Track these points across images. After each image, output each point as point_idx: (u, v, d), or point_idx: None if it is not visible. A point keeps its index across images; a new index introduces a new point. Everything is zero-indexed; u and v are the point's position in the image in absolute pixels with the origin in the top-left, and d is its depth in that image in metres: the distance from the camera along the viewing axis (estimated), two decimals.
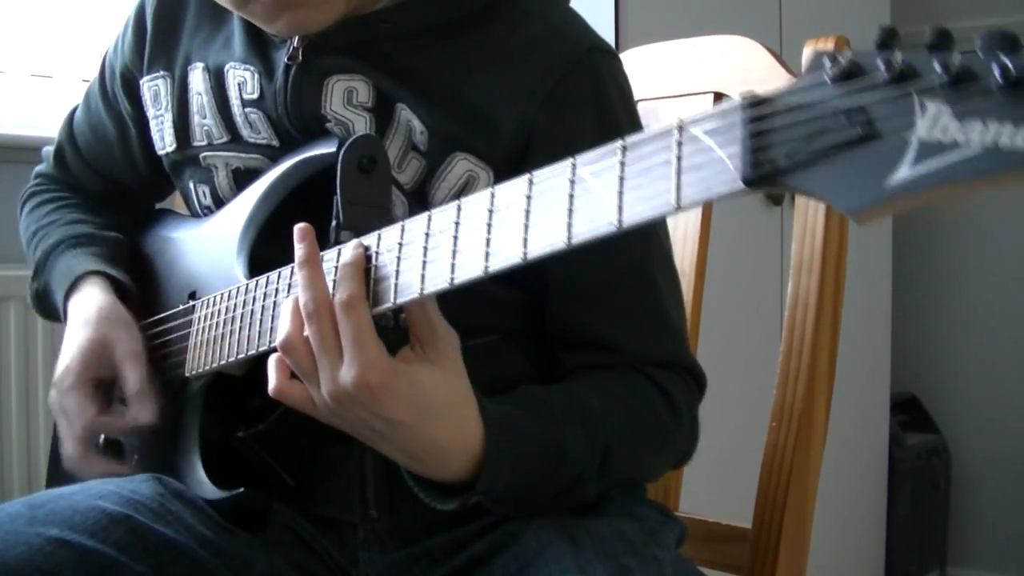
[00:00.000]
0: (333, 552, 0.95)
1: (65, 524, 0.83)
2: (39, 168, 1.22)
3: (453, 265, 0.68)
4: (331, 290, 0.75)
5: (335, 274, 0.75)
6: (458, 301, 0.73)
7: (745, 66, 1.17)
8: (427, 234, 0.71)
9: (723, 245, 1.39)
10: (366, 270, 0.74)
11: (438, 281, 0.69)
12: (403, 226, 0.73)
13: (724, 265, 1.50)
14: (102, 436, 1.05)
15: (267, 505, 0.90)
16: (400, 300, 0.72)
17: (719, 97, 1.20)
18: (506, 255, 0.65)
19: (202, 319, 0.94)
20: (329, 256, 0.77)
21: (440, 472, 0.78)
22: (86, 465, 0.97)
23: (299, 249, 0.76)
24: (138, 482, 0.92)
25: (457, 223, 0.69)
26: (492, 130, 0.90)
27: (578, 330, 0.92)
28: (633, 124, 0.95)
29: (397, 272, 0.73)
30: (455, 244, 0.69)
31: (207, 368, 0.92)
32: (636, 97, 0.99)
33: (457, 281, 0.68)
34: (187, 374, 0.95)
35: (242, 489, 0.88)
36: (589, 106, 0.91)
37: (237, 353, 0.88)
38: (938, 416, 3.05)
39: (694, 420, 0.94)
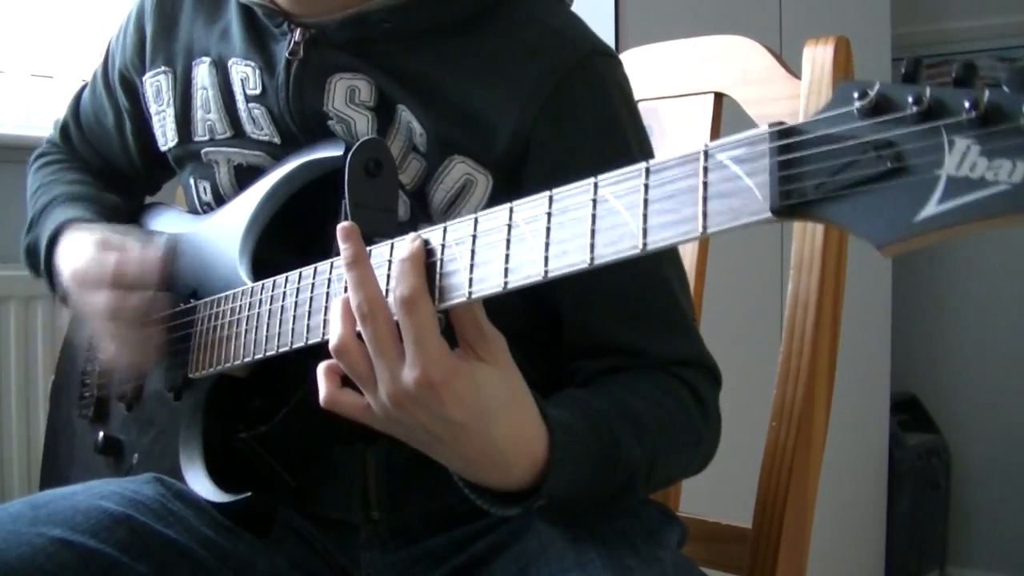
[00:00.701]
0: (334, 552, 0.95)
1: (67, 524, 0.83)
2: (49, 135, 1.25)
3: (471, 280, 0.68)
4: (384, 287, 0.72)
5: (388, 269, 0.73)
6: None
7: (745, 66, 1.17)
8: (443, 245, 0.70)
9: (723, 245, 1.38)
10: (428, 264, 0.70)
11: (457, 295, 0.69)
12: (420, 235, 0.72)
13: (724, 265, 1.50)
14: (101, 434, 1.05)
15: (273, 509, 0.90)
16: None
17: (719, 97, 1.20)
18: (527, 272, 0.64)
19: (205, 319, 0.94)
20: (378, 252, 0.74)
21: (499, 477, 0.74)
22: (124, 341, 0.96)
23: (346, 249, 0.71)
24: (140, 483, 0.92)
25: (474, 236, 0.68)
26: (490, 134, 0.89)
27: (597, 336, 0.91)
28: (636, 127, 0.94)
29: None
30: (472, 259, 0.68)
31: (211, 369, 0.92)
32: (636, 97, 0.99)
33: (475, 295, 0.67)
34: (190, 375, 0.95)
35: (249, 494, 0.88)
36: (590, 110, 0.91)
37: (244, 356, 0.88)
38: (938, 416, 3.05)
39: (719, 417, 0.93)
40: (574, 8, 1.00)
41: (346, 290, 0.72)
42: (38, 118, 2.03)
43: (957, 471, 3.03)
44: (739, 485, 1.29)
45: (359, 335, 0.71)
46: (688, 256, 1.20)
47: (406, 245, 0.71)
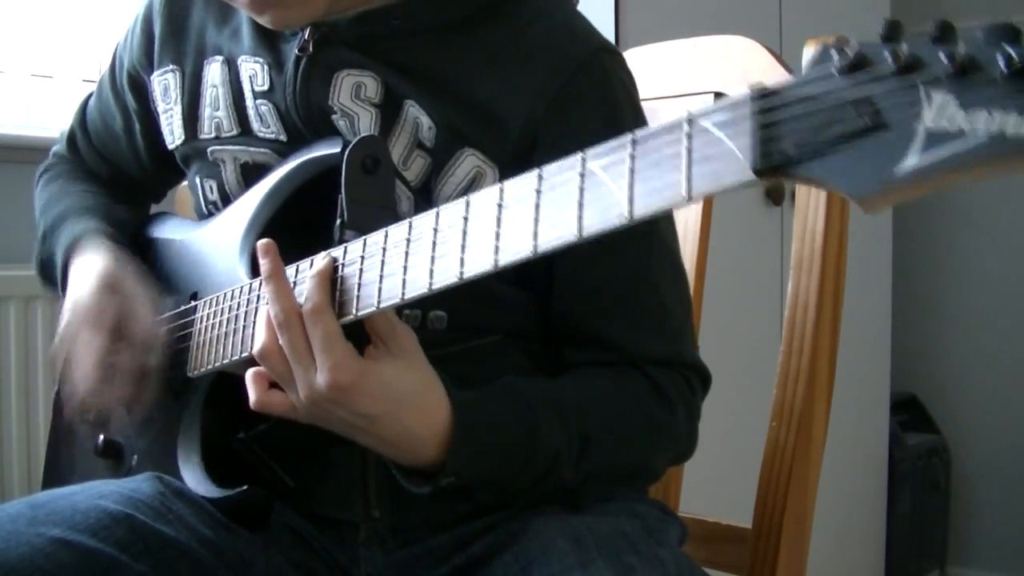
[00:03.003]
0: (333, 551, 0.95)
1: (66, 524, 0.83)
2: (55, 148, 1.25)
3: (462, 260, 0.69)
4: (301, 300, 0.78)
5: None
6: (461, 300, 0.74)
7: (745, 66, 1.17)
8: (435, 229, 0.71)
9: (723, 245, 1.39)
10: (333, 280, 0.78)
11: (448, 275, 0.70)
12: (411, 223, 0.73)
13: (724, 265, 1.50)
14: (101, 437, 1.05)
15: (269, 503, 0.90)
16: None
17: (719, 97, 1.20)
18: (516, 249, 0.65)
19: (204, 319, 0.94)
20: (303, 267, 0.81)
21: (417, 458, 0.82)
22: (101, 390, 0.96)
23: (264, 264, 0.79)
24: (139, 480, 0.92)
25: (466, 218, 0.69)
26: (499, 127, 0.90)
27: (580, 327, 0.93)
28: (638, 125, 0.95)
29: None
30: (464, 239, 0.69)
31: (209, 367, 0.92)
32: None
33: (467, 275, 0.69)
34: (189, 374, 0.95)
35: (245, 487, 0.88)
36: (597, 106, 0.92)
37: (241, 352, 0.88)
38: (938, 416, 3.05)
39: (692, 417, 0.95)
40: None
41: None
42: (38, 118, 2.03)
43: (957, 471, 3.03)
44: (739, 485, 1.29)
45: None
46: (688, 256, 1.20)
47: (318, 261, 0.79)
